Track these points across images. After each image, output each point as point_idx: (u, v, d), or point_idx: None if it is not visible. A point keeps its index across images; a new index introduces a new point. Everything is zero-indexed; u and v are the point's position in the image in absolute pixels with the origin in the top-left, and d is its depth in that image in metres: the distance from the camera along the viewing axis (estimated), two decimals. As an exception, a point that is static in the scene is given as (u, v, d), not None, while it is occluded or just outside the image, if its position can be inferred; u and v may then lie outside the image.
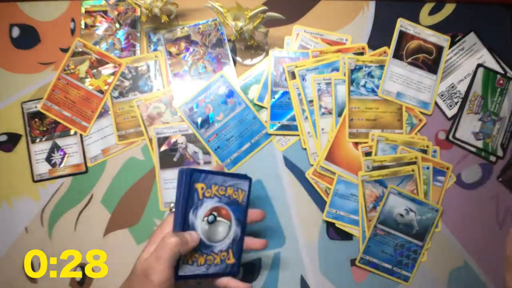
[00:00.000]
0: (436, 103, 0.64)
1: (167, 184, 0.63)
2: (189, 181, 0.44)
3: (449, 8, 0.67)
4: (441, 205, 0.61)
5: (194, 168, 0.45)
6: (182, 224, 0.44)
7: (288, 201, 0.63)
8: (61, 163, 0.64)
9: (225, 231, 0.47)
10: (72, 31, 0.67)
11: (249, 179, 0.50)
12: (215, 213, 0.47)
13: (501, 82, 0.63)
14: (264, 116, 0.64)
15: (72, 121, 0.64)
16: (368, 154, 0.62)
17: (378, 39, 0.66)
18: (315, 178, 0.62)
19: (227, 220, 0.48)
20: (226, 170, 0.62)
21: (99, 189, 0.63)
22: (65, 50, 0.66)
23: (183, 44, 0.66)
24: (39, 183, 0.63)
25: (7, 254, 0.62)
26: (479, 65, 0.65)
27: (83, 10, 0.67)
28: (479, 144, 0.63)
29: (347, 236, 0.62)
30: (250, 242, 0.50)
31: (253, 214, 0.51)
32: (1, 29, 0.67)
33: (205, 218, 0.46)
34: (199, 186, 0.45)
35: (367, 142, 0.63)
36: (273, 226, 0.62)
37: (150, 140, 0.64)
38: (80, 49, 0.66)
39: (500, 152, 0.63)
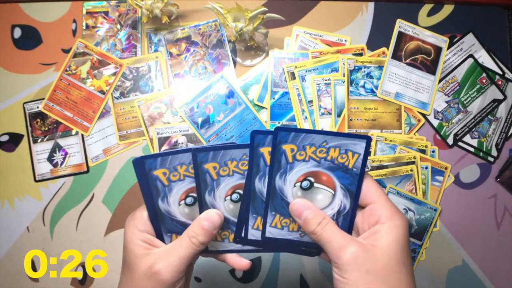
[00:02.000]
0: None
1: (168, 183, 0.63)
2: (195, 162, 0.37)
3: (447, 9, 0.67)
4: (439, 205, 0.62)
5: (279, 126, 0.37)
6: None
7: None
8: (62, 163, 0.64)
9: (327, 200, 0.39)
10: (74, 32, 0.67)
11: (366, 138, 0.38)
12: (312, 179, 0.39)
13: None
14: (264, 116, 0.65)
15: (74, 121, 0.65)
16: (367, 154, 0.63)
17: (377, 40, 0.66)
18: (314, 178, 0.63)
19: (330, 188, 0.39)
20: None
21: (100, 188, 0.64)
22: (66, 51, 0.67)
23: (183, 45, 0.66)
24: (41, 182, 0.64)
25: (9, 254, 0.62)
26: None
27: (84, 11, 0.68)
28: (474, 142, 0.64)
29: (347, 236, 0.62)
30: (231, 260, 0.42)
31: (236, 263, 0.41)
32: (3, 30, 0.67)
33: (297, 184, 0.39)
34: (287, 147, 0.38)
35: (366, 142, 0.63)
36: (273, 226, 0.63)
37: (151, 140, 0.64)
38: (82, 50, 0.66)
39: (494, 152, 0.64)
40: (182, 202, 0.40)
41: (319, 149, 0.38)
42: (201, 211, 0.40)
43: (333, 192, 0.39)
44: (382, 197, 0.37)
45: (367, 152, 0.38)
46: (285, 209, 0.40)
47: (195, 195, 0.40)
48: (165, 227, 0.40)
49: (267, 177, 0.39)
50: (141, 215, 0.40)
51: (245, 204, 0.40)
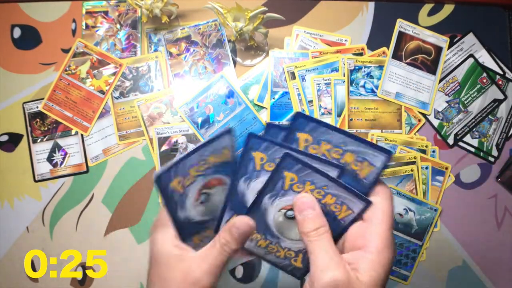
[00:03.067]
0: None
1: (168, 184, 0.63)
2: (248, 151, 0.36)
3: (448, 9, 0.67)
4: (440, 205, 0.62)
5: (287, 153, 0.34)
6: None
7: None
8: (62, 163, 0.64)
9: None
10: (73, 32, 0.67)
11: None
12: None
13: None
14: (264, 116, 0.65)
15: (73, 121, 0.65)
16: (367, 154, 0.63)
17: (377, 40, 0.66)
18: (314, 178, 0.63)
19: None
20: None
21: (100, 189, 0.63)
22: (66, 51, 0.66)
23: (183, 45, 0.66)
24: (41, 182, 0.64)
25: (9, 254, 0.62)
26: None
27: (84, 11, 0.68)
28: (475, 142, 0.64)
29: (347, 236, 0.62)
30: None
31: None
32: (3, 30, 0.67)
33: (283, 211, 0.38)
34: (288, 175, 0.36)
35: (366, 142, 0.63)
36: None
37: (151, 140, 0.64)
38: (81, 50, 0.66)
39: (495, 152, 0.64)
40: (197, 202, 0.40)
41: (316, 190, 0.36)
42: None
43: None
44: (384, 224, 0.34)
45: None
46: (260, 226, 0.40)
47: (207, 191, 0.39)
48: (186, 231, 0.40)
49: (252, 181, 0.38)
50: (168, 222, 0.38)
51: (225, 201, 0.40)
